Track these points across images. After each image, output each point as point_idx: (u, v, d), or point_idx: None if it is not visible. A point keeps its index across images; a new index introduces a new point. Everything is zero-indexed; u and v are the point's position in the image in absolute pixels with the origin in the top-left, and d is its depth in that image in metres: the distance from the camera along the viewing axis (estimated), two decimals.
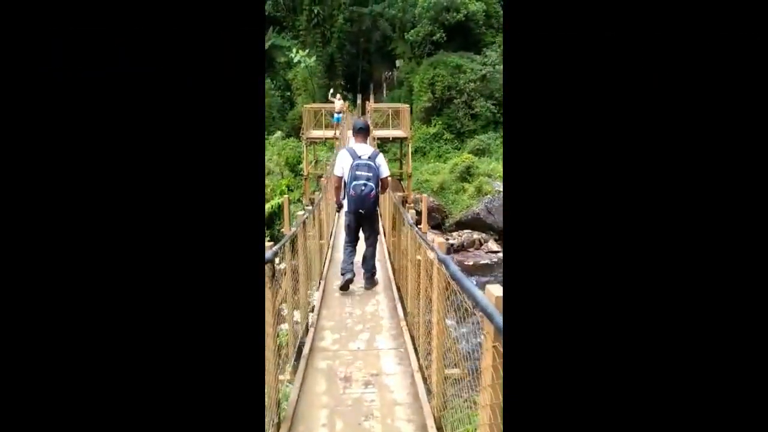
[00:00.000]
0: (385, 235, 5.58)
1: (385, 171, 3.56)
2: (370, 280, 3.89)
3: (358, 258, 3.88)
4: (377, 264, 4.13)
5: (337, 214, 4.66)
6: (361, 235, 3.80)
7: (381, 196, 4.09)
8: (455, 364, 2.43)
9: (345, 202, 3.56)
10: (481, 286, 1.34)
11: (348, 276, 3.75)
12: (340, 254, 4.63)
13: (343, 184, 3.49)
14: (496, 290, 1.30)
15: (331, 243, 5.47)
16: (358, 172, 3.38)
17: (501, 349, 1.23)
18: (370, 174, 3.38)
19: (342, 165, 3.50)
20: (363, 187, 3.36)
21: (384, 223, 5.82)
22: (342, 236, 4.49)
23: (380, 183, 3.51)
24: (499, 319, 1.19)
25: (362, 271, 3.90)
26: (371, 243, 3.73)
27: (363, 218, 3.57)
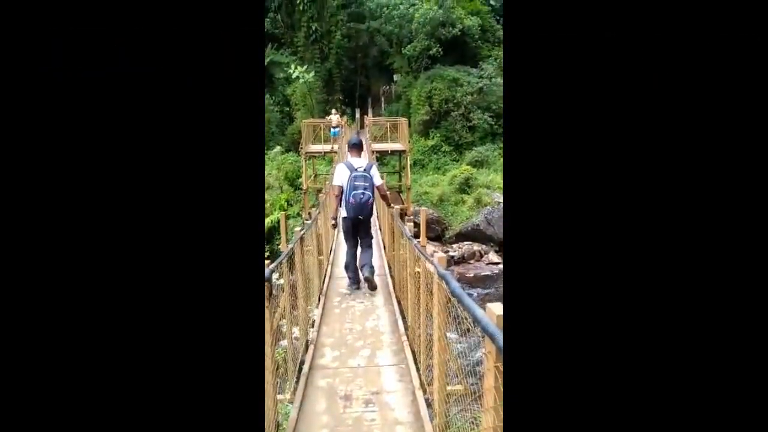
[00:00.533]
0: (384, 249, 5.55)
1: (378, 180, 4.02)
2: (372, 281, 4.14)
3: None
4: (377, 279, 4.29)
5: (334, 231, 5.07)
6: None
7: (378, 208, 4.61)
8: (459, 382, 2.39)
9: (343, 210, 3.94)
10: (483, 299, 1.32)
11: (355, 286, 4.24)
12: (339, 269, 4.75)
13: (341, 193, 3.92)
14: (497, 309, 1.28)
15: (330, 259, 5.44)
16: (356, 183, 3.79)
17: (502, 371, 1.21)
18: (367, 184, 3.83)
19: (341, 177, 3.91)
20: (362, 196, 3.80)
21: (384, 237, 5.80)
22: (342, 251, 4.84)
23: (378, 190, 4.03)
24: (501, 338, 1.16)
25: (363, 275, 4.21)
26: (368, 244, 4.10)
27: (361, 223, 3.97)
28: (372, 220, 4.23)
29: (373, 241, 4.33)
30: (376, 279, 4.31)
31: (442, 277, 1.88)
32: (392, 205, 4.62)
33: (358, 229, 4.01)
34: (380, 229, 6.37)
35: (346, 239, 4.13)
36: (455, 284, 1.66)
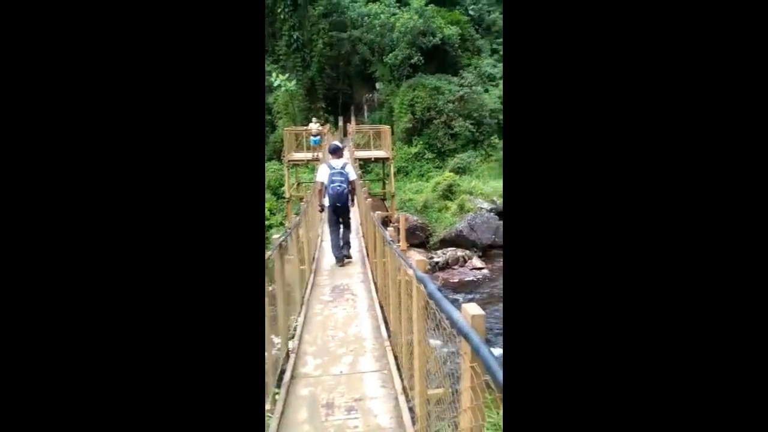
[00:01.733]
0: (368, 255, 5.55)
1: (352, 175, 5.19)
2: (348, 255, 5.47)
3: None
4: (361, 285, 4.43)
5: (321, 231, 6.26)
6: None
7: (359, 210, 5.83)
8: (439, 384, 2.38)
9: (326, 201, 5.13)
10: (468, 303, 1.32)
11: (339, 256, 5.32)
12: (322, 278, 4.75)
13: (323, 187, 5.12)
14: (473, 309, 1.30)
15: (313, 267, 5.40)
16: (333, 178, 4.97)
17: (478, 370, 1.22)
18: (342, 178, 5.00)
19: (323, 175, 5.14)
20: (338, 188, 4.96)
21: (367, 243, 5.80)
22: (325, 260, 5.64)
23: (351, 183, 5.16)
24: (476, 338, 1.17)
25: (343, 253, 5.42)
26: (347, 225, 5.35)
27: (340, 210, 5.11)
28: (351, 209, 5.34)
29: (352, 225, 5.64)
30: (360, 285, 4.60)
31: (420, 280, 1.88)
32: (356, 184, 5.73)
33: (339, 214, 5.14)
34: (363, 236, 6.37)
35: (330, 223, 5.27)
36: (432, 287, 1.67)
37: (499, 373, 0.96)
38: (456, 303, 1.50)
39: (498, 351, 7.47)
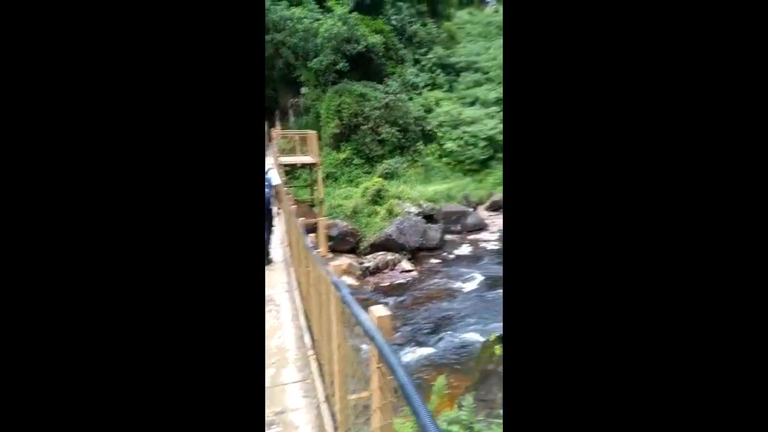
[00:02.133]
0: (292, 264, 5.44)
1: (276, 180, 5.65)
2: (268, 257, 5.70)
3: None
4: (287, 299, 4.26)
5: None
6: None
7: (286, 221, 5.88)
8: (362, 389, 2.39)
9: None
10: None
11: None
12: None
13: None
14: (379, 311, 1.33)
15: None
16: None
17: (384, 370, 1.24)
18: (266, 183, 5.24)
19: None
20: None
21: (292, 252, 5.69)
22: None
23: (275, 188, 5.49)
24: (380, 339, 1.20)
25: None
26: (267, 230, 5.60)
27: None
28: (275, 216, 5.66)
29: (275, 234, 6.03)
30: (284, 295, 4.58)
31: (334, 285, 1.88)
32: (280, 196, 6.02)
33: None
34: (289, 245, 6.23)
35: None
36: (345, 291, 1.67)
37: (400, 373, 0.99)
38: (387, 306, 1.51)
39: (422, 351, 7.62)
